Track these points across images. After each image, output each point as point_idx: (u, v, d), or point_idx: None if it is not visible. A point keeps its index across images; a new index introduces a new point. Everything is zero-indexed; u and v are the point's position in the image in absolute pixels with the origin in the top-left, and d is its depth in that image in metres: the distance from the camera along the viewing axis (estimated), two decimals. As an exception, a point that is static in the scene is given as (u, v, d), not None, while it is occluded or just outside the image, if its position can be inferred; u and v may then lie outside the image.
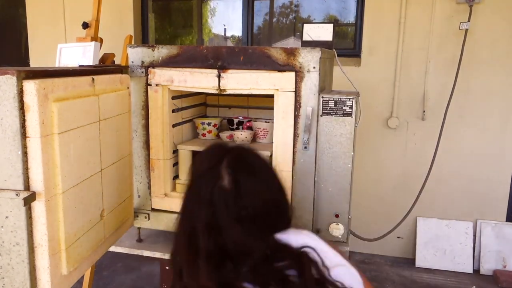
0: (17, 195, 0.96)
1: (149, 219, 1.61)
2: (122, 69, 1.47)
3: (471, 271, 3.15)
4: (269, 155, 1.60)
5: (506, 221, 3.18)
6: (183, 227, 0.93)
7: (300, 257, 0.87)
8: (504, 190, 3.16)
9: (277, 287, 0.83)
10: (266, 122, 1.81)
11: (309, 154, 1.45)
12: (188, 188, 0.95)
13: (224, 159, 0.92)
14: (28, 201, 0.97)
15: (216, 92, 1.50)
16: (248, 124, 1.87)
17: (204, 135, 1.86)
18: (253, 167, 0.95)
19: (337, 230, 1.49)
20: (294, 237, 0.93)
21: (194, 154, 1.76)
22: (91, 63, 2.17)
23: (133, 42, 3.17)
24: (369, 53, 3.20)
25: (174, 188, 1.67)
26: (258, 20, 3.68)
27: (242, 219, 0.88)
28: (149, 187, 1.60)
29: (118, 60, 2.51)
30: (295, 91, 1.43)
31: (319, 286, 0.84)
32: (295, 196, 1.49)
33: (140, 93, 1.55)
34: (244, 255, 0.86)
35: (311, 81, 1.41)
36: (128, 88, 1.45)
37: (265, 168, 0.98)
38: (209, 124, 1.85)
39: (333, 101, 1.43)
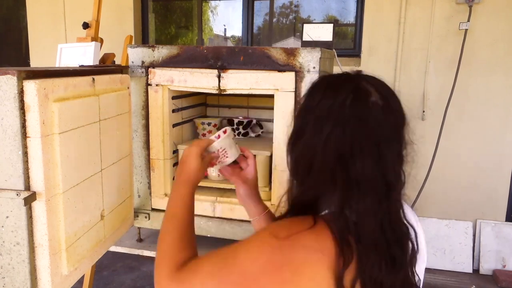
0: (17, 195, 0.96)
1: (149, 219, 1.61)
2: (122, 69, 1.48)
3: (470, 271, 3.15)
4: (269, 155, 1.60)
5: (506, 221, 3.19)
6: (322, 155, 0.80)
7: (406, 235, 0.82)
8: (504, 190, 3.16)
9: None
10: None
11: (309, 154, 1.45)
12: (318, 115, 0.82)
13: (362, 79, 0.84)
14: (29, 201, 0.97)
15: (216, 92, 1.50)
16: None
17: (204, 135, 1.86)
18: (390, 88, 0.87)
19: (337, 230, 1.49)
20: (406, 210, 0.87)
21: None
22: (91, 63, 2.17)
23: (133, 42, 3.17)
24: (369, 53, 3.20)
25: (174, 188, 1.68)
26: (258, 20, 3.69)
27: (395, 141, 0.81)
28: (149, 187, 1.60)
29: (118, 60, 2.51)
30: (295, 91, 1.43)
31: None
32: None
33: (140, 93, 1.55)
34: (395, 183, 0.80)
35: (311, 81, 1.41)
36: (128, 88, 1.45)
37: (397, 95, 0.89)
38: (209, 124, 1.85)
39: (333, 101, 1.43)
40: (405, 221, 0.83)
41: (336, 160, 0.79)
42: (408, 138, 0.86)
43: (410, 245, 0.81)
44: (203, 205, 1.57)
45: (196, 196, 1.62)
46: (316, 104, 0.84)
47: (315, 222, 0.78)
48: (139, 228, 1.66)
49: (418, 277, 0.84)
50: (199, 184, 1.68)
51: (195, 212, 1.56)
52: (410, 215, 0.89)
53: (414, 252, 0.82)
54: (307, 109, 0.86)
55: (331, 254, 0.74)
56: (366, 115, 0.79)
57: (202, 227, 1.57)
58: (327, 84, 0.87)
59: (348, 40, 3.51)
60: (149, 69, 1.53)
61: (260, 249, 0.78)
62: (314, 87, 0.89)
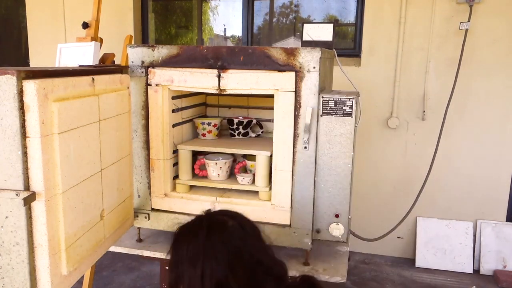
0: (17, 195, 0.96)
1: (149, 219, 1.61)
2: (122, 69, 1.47)
3: (471, 271, 3.15)
4: (269, 155, 1.60)
5: (506, 221, 3.18)
6: None
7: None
8: (504, 190, 3.16)
9: None
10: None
11: (309, 154, 1.45)
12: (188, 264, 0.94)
13: (213, 215, 1.02)
14: (28, 201, 0.96)
15: (216, 92, 1.50)
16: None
17: (204, 135, 1.86)
18: (234, 212, 1.04)
19: (337, 230, 1.49)
20: None
21: (194, 154, 1.76)
22: (91, 63, 2.17)
23: (133, 42, 3.17)
24: (369, 53, 3.20)
25: (174, 188, 1.67)
26: (258, 20, 3.68)
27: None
28: (149, 187, 1.60)
29: (118, 60, 2.51)
30: (295, 91, 1.43)
31: None
32: (295, 196, 1.49)
33: (140, 93, 1.55)
34: None
35: (311, 81, 1.41)
36: (128, 88, 1.45)
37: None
38: (209, 124, 1.85)
39: (333, 101, 1.43)
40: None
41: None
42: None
43: None
44: (203, 205, 1.57)
45: (196, 196, 1.62)
46: (185, 252, 0.95)
47: None
48: (139, 228, 1.65)
49: None
50: (198, 184, 1.69)
51: (195, 212, 1.56)
52: None
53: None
54: (179, 260, 0.96)
55: None
56: (229, 237, 0.93)
57: (202, 227, 1.56)
58: (188, 231, 0.99)
59: (348, 40, 3.51)
60: (149, 69, 1.53)
61: None
62: (177, 238, 1.00)
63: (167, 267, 1.01)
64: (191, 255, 0.93)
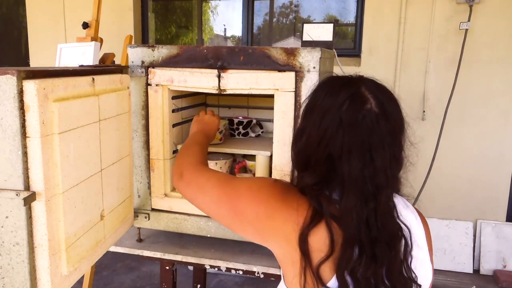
0: (17, 195, 0.96)
1: (149, 219, 1.61)
2: (122, 69, 1.47)
3: (471, 271, 3.15)
4: (269, 155, 1.60)
5: (506, 221, 3.18)
6: (315, 155, 0.87)
7: (397, 234, 0.85)
8: (504, 190, 3.16)
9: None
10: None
11: (309, 154, 1.45)
12: (316, 115, 0.88)
13: (362, 84, 0.88)
14: (28, 201, 0.96)
15: (216, 92, 1.50)
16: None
17: None
18: (390, 93, 0.91)
19: (337, 230, 1.49)
20: (403, 209, 0.91)
21: (194, 154, 1.76)
22: (91, 63, 2.17)
23: (133, 42, 3.17)
24: (369, 53, 3.20)
25: (174, 188, 1.67)
26: (258, 20, 3.68)
27: (390, 146, 0.85)
28: (149, 187, 1.60)
29: (118, 60, 2.51)
30: (295, 91, 1.43)
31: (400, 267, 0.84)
32: (295, 196, 1.49)
33: (140, 93, 1.55)
34: (380, 189, 0.83)
35: (311, 81, 1.41)
36: (128, 88, 1.45)
37: (396, 101, 0.93)
38: None
39: (333, 101, 1.43)
40: (398, 221, 0.86)
41: (327, 158, 0.86)
42: (407, 143, 0.91)
43: (403, 243, 0.84)
44: (203, 205, 1.57)
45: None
46: (317, 105, 0.89)
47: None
48: (139, 228, 1.65)
49: (415, 273, 0.86)
50: (199, 184, 1.69)
51: (195, 212, 1.57)
52: (408, 214, 0.92)
53: (407, 250, 0.84)
54: (309, 108, 0.92)
55: (303, 215, 0.84)
56: (358, 122, 0.83)
57: (202, 227, 1.56)
58: (329, 86, 0.91)
59: (348, 40, 3.51)
60: (149, 69, 1.53)
61: (259, 182, 0.97)
62: (317, 88, 0.94)
63: (301, 111, 0.98)
64: (320, 112, 0.87)
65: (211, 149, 1.73)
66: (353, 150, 0.82)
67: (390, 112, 0.86)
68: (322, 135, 0.86)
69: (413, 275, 0.85)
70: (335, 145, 0.84)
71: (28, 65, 3.91)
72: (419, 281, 0.86)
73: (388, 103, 0.87)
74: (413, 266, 0.85)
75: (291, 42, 3.68)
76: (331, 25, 1.77)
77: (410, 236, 0.86)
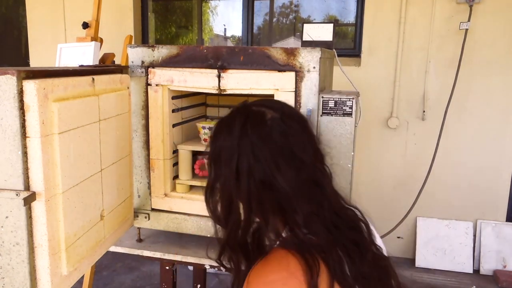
0: (17, 195, 0.96)
1: (149, 219, 1.61)
2: (122, 69, 1.47)
3: (471, 271, 3.15)
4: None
5: (506, 221, 3.18)
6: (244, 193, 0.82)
7: (356, 215, 0.86)
8: (504, 190, 3.16)
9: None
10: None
11: (309, 154, 1.45)
12: (225, 157, 0.85)
13: (250, 106, 0.90)
14: (28, 201, 0.96)
15: (216, 92, 1.50)
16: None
17: (206, 140, 1.82)
18: (277, 101, 0.93)
19: (337, 230, 1.49)
20: None
21: (194, 154, 1.76)
22: (91, 63, 2.17)
23: (133, 42, 3.17)
24: (369, 53, 3.20)
25: (174, 188, 1.67)
26: (258, 20, 3.68)
27: (308, 142, 0.85)
28: (149, 187, 1.60)
29: (118, 60, 2.51)
30: (295, 91, 1.43)
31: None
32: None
33: (140, 93, 1.55)
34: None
35: (311, 81, 1.41)
36: (128, 88, 1.45)
37: (285, 103, 0.96)
38: (209, 128, 1.82)
39: (333, 101, 1.43)
40: (347, 206, 0.88)
41: (259, 188, 0.80)
42: (315, 132, 0.91)
43: (362, 223, 0.86)
44: (203, 205, 1.57)
45: (196, 196, 1.62)
46: (220, 148, 0.87)
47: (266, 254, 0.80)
48: (139, 228, 1.65)
49: (381, 248, 0.89)
50: (199, 184, 1.69)
51: (195, 212, 1.57)
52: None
53: (368, 228, 0.87)
54: (215, 156, 0.89)
55: (300, 274, 0.74)
56: (269, 132, 0.82)
57: (202, 227, 1.56)
58: (221, 128, 0.90)
59: (348, 40, 3.50)
60: (149, 69, 1.53)
61: None
62: (214, 134, 0.92)
63: (206, 165, 0.94)
64: (225, 152, 0.84)
65: (211, 149, 1.72)
66: (280, 162, 0.80)
67: (289, 112, 0.87)
68: (236, 170, 0.82)
69: (380, 248, 0.88)
70: (260, 169, 0.80)
71: (28, 65, 3.91)
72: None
73: (283, 107, 0.88)
74: (376, 238, 0.89)
75: (291, 42, 3.68)
76: (331, 25, 1.77)
77: (362, 215, 0.88)
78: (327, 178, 0.87)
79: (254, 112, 0.86)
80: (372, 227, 0.90)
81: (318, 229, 0.79)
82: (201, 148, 1.72)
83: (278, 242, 0.85)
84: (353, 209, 0.87)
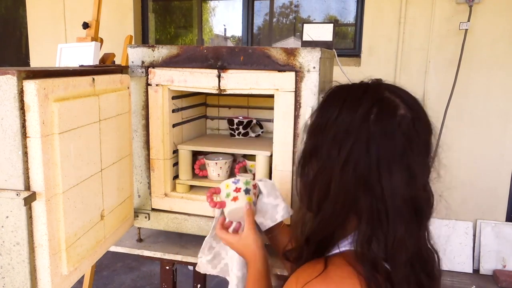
0: (17, 195, 0.96)
1: (149, 219, 1.61)
2: (122, 69, 1.48)
3: (471, 271, 3.15)
4: (269, 155, 1.60)
5: (506, 221, 3.19)
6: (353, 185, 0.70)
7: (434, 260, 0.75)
8: (504, 190, 3.16)
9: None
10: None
11: (309, 154, 1.45)
12: (333, 135, 0.72)
13: (384, 89, 0.77)
14: (29, 201, 0.97)
15: (216, 92, 1.50)
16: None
17: (235, 199, 1.20)
18: (413, 97, 0.81)
19: (337, 230, 1.49)
20: None
21: (194, 154, 1.76)
22: (91, 63, 2.17)
23: (133, 42, 3.17)
24: (369, 53, 3.20)
25: (174, 188, 1.68)
26: (258, 20, 3.68)
27: (426, 155, 0.73)
28: (149, 187, 1.60)
29: (118, 60, 2.51)
30: (295, 91, 1.43)
31: None
32: (295, 196, 1.49)
33: (140, 93, 1.55)
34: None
35: (311, 81, 1.41)
36: (128, 88, 1.45)
37: (421, 104, 0.83)
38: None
39: (333, 101, 1.43)
40: (431, 247, 0.77)
41: (359, 184, 0.69)
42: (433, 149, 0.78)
43: (436, 272, 0.76)
44: (203, 205, 1.57)
45: (197, 196, 1.62)
46: (333, 121, 0.73)
47: (326, 265, 0.69)
48: (139, 228, 1.65)
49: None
50: (199, 184, 1.69)
51: (195, 212, 1.57)
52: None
53: (440, 276, 0.76)
54: (322, 126, 0.76)
55: None
56: (394, 131, 0.70)
57: (202, 227, 1.57)
58: (345, 96, 0.76)
59: (348, 40, 3.51)
60: (149, 69, 1.53)
61: None
62: (329, 100, 0.78)
63: (308, 130, 0.77)
64: (339, 128, 0.72)
65: (211, 149, 1.73)
66: (393, 166, 0.68)
67: (423, 117, 0.76)
68: (346, 157, 0.69)
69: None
70: (368, 165, 0.69)
71: (28, 65, 3.91)
72: None
73: (418, 107, 0.78)
74: None
75: (291, 42, 3.68)
76: (331, 25, 1.77)
77: (439, 262, 0.77)
78: (430, 208, 0.76)
79: (387, 100, 0.74)
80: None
81: (401, 261, 0.68)
82: (201, 148, 1.73)
83: (342, 249, 0.74)
84: (435, 253, 0.76)
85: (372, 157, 0.69)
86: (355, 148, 0.69)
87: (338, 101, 0.75)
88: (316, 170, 0.74)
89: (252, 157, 1.69)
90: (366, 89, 0.76)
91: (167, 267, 1.66)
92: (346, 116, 0.72)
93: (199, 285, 2.07)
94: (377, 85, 0.79)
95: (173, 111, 1.64)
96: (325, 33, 1.77)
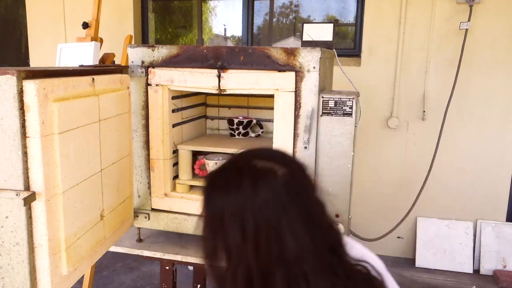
0: (17, 195, 0.96)
1: (149, 219, 1.61)
2: (122, 69, 1.47)
3: (471, 271, 3.14)
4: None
5: (506, 221, 3.18)
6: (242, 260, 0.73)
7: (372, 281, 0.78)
8: (504, 190, 3.16)
9: None
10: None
11: (309, 154, 1.45)
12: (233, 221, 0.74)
13: (253, 156, 0.79)
14: (28, 201, 0.96)
15: (216, 92, 1.50)
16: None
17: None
18: (281, 152, 0.83)
19: (337, 230, 1.49)
20: (354, 246, 0.87)
21: (194, 154, 1.76)
22: (91, 63, 2.16)
23: (133, 42, 3.17)
24: (369, 53, 3.20)
25: (174, 188, 1.67)
26: (258, 20, 3.68)
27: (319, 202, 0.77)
28: (149, 187, 1.60)
29: (118, 60, 2.51)
30: (295, 91, 1.43)
31: None
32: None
33: (140, 93, 1.55)
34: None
35: (311, 81, 1.41)
36: (128, 88, 1.45)
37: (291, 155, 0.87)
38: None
39: (333, 101, 1.43)
40: (357, 262, 0.80)
41: (270, 253, 0.71)
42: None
43: (376, 281, 0.79)
44: (203, 205, 1.57)
45: (196, 196, 1.62)
46: (223, 208, 0.75)
47: None
48: (139, 228, 1.65)
49: None
50: (198, 184, 1.69)
51: (195, 212, 1.57)
52: (358, 251, 0.87)
53: (383, 285, 0.80)
54: (217, 221, 0.77)
55: None
56: (280, 193, 0.73)
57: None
58: (223, 183, 0.78)
59: (348, 40, 3.50)
60: (149, 69, 1.53)
61: None
62: (211, 192, 0.80)
63: (204, 228, 0.78)
64: (233, 212, 0.73)
65: (211, 149, 1.73)
66: (295, 226, 0.72)
67: (297, 165, 0.79)
68: (254, 237, 0.71)
69: None
70: (273, 232, 0.71)
71: (28, 65, 3.91)
72: None
73: (289, 158, 0.81)
74: None
75: (291, 42, 3.68)
76: (331, 25, 1.77)
77: (374, 268, 0.81)
78: (341, 245, 0.79)
79: (261, 169, 0.76)
80: (387, 277, 0.82)
81: None
82: (201, 148, 1.72)
83: None
84: (364, 265, 0.79)
85: (273, 223, 0.71)
86: (259, 226, 0.71)
87: (220, 191, 0.77)
88: (229, 263, 0.75)
89: (252, 157, 1.68)
90: (240, 168, 0.78)
91: (167, 267, 1.66)
92: (235, 202, 0.74)
93: (199, 285, 2.07)
94: (247, 158, 0.80)
95: (173, 111, 1.64)
96: (325, 33, 1.77)
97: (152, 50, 1.52)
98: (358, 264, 0.79)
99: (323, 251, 0.74)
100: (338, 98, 1.42)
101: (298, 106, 1.44)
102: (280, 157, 0.80)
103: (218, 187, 0.79)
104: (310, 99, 1.42)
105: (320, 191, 0.81)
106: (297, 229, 0.72)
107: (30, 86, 0.94)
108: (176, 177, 1.70)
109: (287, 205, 0.72)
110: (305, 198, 0.75)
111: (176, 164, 1.69)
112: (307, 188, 0.78)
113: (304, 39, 1.79)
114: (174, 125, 1.66)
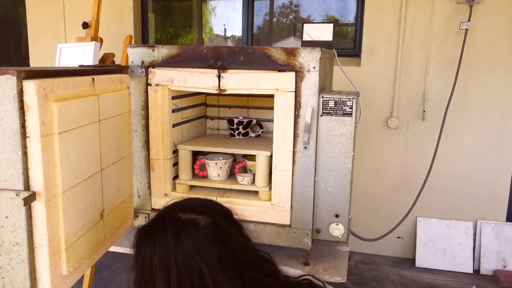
0: (17, 195, 0.96)
1: (149, 219, 1.61)
2: (122, 69, 1.47)
3: (471, 271, 3.14)
4: (269, 155, 1.60)
5: (506, 221, 3.18)
6: None
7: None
8: (504, 190, 3.16)
9: None
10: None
11: (309, 154, 1.45)
12: (160, 272, 0.79)
13: (175, 210, 0.86)
14: (28, 201, 0.96)
15: (216, 92, 1.50)
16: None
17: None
18: (201, 201, 0.93)
19: (337, 230, 1.49)
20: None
21: (194, 154, 1.76)
22: (91, 63, 2.16)
23: (133, 42, 3.17)
24: (369, 53, 3.20)
25: (174, 188, 1.67)
26: (258, 20, 3.68)
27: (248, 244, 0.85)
28: (149, 187, 1.60)
29: (118, 60, 2.51)
30: (295, 91, 1.43)
31: None
32: (295, 196, 1.49)
33: (140, 93, 1.55)
34: None
35: (311, 81, 1.41)
36: (128, 88, 1.45)
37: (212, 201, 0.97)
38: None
39: (333, 101, 1.43)
40: (297, 277, 0.88)
41: None
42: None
43: None
44: (203, 205, 1.57)
45: (196, 196, 1.62)
46: (150, 260, 0.80)
47: None
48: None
49: None
50: (199, 184, 1.69)
51: (195, 212, 1.56)
52: (295, 272, 0.94)
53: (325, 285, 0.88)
54: (144, 269, 0.82)
55: None
56: (206, 242, 0.78)
57: (202, 227, 1.56)
58: (152, 238, 0.83)
59: (348, 40, 3.50)
60: (149, 69, 1.53)
61: None
62: (140, 247, 0.84)
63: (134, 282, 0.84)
64: (158, 265, 0.79)
65: (211, 149, 1.73)
66: (221, 271, 0.77)
67: (220, 211, 0.85)
68: (182, 281, 0.77)
69: None
70: (200, 281, 0.76)
71: (28, 65, 3.91)
72: None
73: (215, 210, 0.86)
74: None
75: (291, 42, 3.68)
76: (331, 25, 1.77)
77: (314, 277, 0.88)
78: (275, 266, 0.86)
79: (185, 221, 0.82)
80: None
81: None
82: (201, 148, 1.72)
83: None
84: (307, 278, 0.87)
85: (198, 272, 0.76)
86: (182, 273, 0.77)
87: (149, 244, 0.82)
88: None
89: (252, 157, 1.69)
90: (165, 222, 0.83)
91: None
92: (160, 255, 0.79)
93: (199, 285, 2.07)
94: (172, 211, 0.86)
95: (173, 111, 1.64)
96: (325, 33, 1.77)
97: (152, 50, 1.52)
98: (304, 278, 0.86)
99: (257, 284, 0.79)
100: (338, 98, 1.42)
101: (298, 106, 1.44)
102: (203, 206, 0.86)
103: (146, 241, 0.83)
104: (310, 99, 1.42)
105: (245, 229, 0.88)
106: (220, 277, 0.76)
107: (30, 86, 0.94)
108: (176, 177, 1.70)
109: (208, 254, 0.78)
110: (228, 244, 0.80)
111: (176, 164, 1.69)
112: (230, 233, 0.82)
113: (304, 39, 1.79)
114: (174, 125, 1.66)
